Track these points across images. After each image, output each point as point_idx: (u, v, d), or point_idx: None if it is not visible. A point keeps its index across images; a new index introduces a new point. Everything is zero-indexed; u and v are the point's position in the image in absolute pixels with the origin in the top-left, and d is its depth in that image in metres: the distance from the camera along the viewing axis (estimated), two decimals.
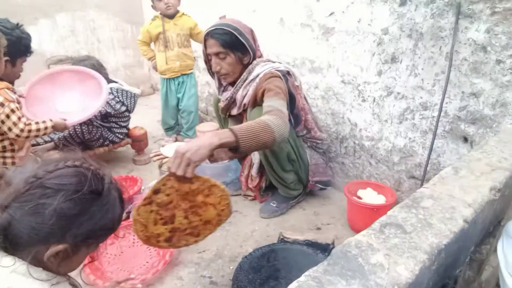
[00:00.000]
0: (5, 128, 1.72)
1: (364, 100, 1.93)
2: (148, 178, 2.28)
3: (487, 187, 1.07)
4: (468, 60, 1.46)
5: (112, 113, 2.40)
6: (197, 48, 2.97)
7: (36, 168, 0.82)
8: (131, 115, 2.62)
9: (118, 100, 2.41)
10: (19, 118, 1.74)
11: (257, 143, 1.36)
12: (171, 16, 2.61)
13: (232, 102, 1.91)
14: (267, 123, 1.40)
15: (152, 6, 2.64)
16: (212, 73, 1.95)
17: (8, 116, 1.70)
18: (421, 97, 1.68)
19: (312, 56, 2.12)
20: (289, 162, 1.88)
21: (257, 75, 1.77)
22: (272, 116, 1.46)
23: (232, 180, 2.26)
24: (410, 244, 0.84)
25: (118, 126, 2.50)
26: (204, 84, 3.29)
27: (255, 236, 1.82)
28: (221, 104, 1.97)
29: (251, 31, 1.82)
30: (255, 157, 2.00)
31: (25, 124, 1.76)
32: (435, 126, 1.59)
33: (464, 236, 0.95)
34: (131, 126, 2.63)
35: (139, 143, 2.61)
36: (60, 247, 0.79)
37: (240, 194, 2.18)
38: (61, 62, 3.48)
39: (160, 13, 2.60)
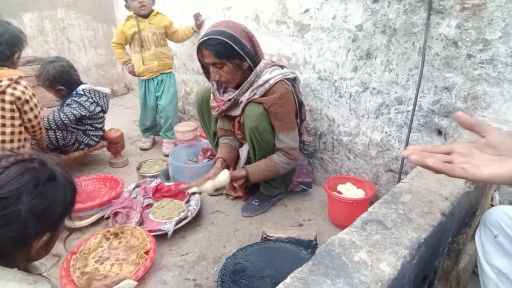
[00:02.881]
0: (26, 108, 1.85)
1: (341, 96, 1.95)
2: (126, 180, 2.23)
3: (462, 180, 1.10)
4: (440, 55, 1.50)
5: (87, 115, 2.33)
6: (171, 47, 2.92)
7: None
8: (106, 116, 2.55)
9: (92, 101, 2.34)
10: (35, 105, 1.90)
11: (263, 179, 1.90)
12: (146, 15, 2.55)
13: (234, 104, 1.85)
14: (277, 168, 1.83)
15: (125, 6, 2.56)
16: (209, 78, 1.88)
17: (29, 100, 1.85)
18: (396, 92, 1.71)
19: (288, 53, 2.12)
20: None
21: (266, 81, 1.75)
22: (284, 159, 1.83)
23: None
24: (391, 240, 0.86)
25: (93, 128, 2.43)
26: (180, 83, 3.24)
27: (238, 235, 1.82)
28: (219, 105, 1.90)
29: (248, 34, 1.73)
30: (243, 152, 1.99)
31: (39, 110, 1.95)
32: (410, 120, 1.63)
33: (442, 229, 0.97)
34: (106, 127, 2.57)
35: (115, 145, 2.55)
36: (44, 238, 0.84)
37: (222, 194, 2.16)
38: (30, 64, 3.36)
39: (134, 13, 2.53)
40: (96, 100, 2.36)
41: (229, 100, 1.83)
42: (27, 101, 1.84)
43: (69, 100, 2.29)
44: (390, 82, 1.71)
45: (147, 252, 1.56)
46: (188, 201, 1.99)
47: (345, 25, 1.79)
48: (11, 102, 1.79)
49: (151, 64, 2.63)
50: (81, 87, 2.34)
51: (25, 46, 1.91)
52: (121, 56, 2.69)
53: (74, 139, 2.32)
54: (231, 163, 1.96)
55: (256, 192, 2.07)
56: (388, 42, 1.66)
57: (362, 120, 1.89)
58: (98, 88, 2.42)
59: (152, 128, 2.92)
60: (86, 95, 2.31)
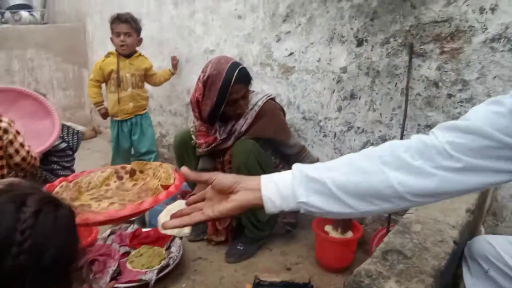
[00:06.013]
0: (11, 151, 1.55)
1: (325, 136, 1.99)
2: (101, 226, 2.05)
3: (463, 209, 1.12)
4: (422, 95, 1.59)
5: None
6: (148, 88, 2.90)
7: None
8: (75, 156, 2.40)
9: None
10: (21, 144, 1.60)
11: None
12: (128, 55, 2.53)
13: (228, 135, 1.87)
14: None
15: (111, 38, 2.52)
16: (213, 121, 1.85)
17: (13, 140, 1.55)
18: (380, 131, 1.77)
19: (272, 93, 2.16)
20: None
21: (255, 104, 1.84)
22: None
23: (193, 224, 2.13)
24: (415, 268, 0.83)
25: (60, 167, 2.26)
26: (156, 125, 3.17)
27: (224, 283, 1.70)
28: (208, 140, 1.90)
29: None
30: None
31: (28, 151, 1.63)
32: None
33: (455, 257, 0.97)
34: (77, 170, 2.41)
35: None
36: None
37: (203, 239, 2.05)
38: None
39: (116, 50, 2.51)
40: (62, 135, 2.23)
41: (226, 132, 1.85)
42: (11, 142, 1.59)
43: None
44: (374, 121, 1.77)
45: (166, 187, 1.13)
46: (169, 247, 1.85)
47: (329, 67, 1.87)
48: None
49: (126, 105, 2.57)
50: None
51: None
52: (96, 95, 2.57)
53: (42, 179, 2.15)
54: None
55: (240, 236, 1.99)
56: (371, 83, 1.74)
57: None
58: (69, 123, 2.30)
59: None
60: None
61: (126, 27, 2.44)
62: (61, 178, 1.13)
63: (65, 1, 4.25)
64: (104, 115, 2.62)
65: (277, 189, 0.74)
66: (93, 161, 3.39)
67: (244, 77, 1.75)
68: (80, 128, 2.36)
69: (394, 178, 0.67)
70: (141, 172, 1.26)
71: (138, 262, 1.72)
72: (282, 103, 2.12)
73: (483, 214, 1.47)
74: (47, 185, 1.01)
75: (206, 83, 1.74)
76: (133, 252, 1.81)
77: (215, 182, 0.77)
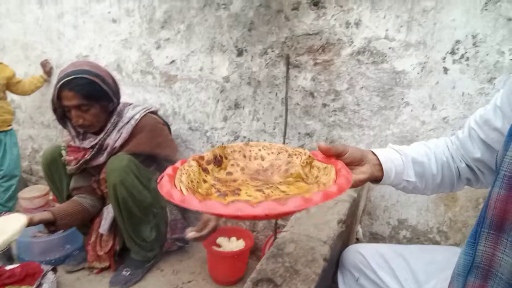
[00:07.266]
0: None
1: (213, 146, 1.93)
2: None
3: (335, 221, 1.15)
4: (300, 104, 1.63)
5: None
6: (14, 98, 2.50)
7: None
8: None
9: None
10: None
11: None
12: None
13: (99, 150, 1.67)
14: None
15: None
16: (64, 123, 1.69)
17: None
18: (264, 139, 1.77)
19: (156, 103, 2.02)
20: (150, 214, 1.71)
21: (131, 117, 1.68)
22: None
23: (71, 253, 1.89)
24: None
25: None
26: (26, 139, 2.76)
27: None
28: (78, 156, 1.69)
29: (109, 74, 1.65)
30: (108, 210, 1.73)
31: None
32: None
33: (326, 274, 0.98)
34: None
35: None
36: None
37: (84, 268, 1.82)
38: None
39: None
40: None
41: (93, 147, 1.65)
42: None
43: None
44: (259, 130, 1.77)
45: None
46: (40, 285, 1.60)
47: (212, 76, 1.81)
48: None
49: None
50: None
51: None
52: None
53: None
54: (74, 221, 1.66)
55: (126, 260, 1.82)
56: (253, 93, 1.73)
57: None
58: None
59: None
60: None
61: None
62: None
63: None
64: None
65: (394, 166, 0.82)
66: None
67: (79, 87, 1.50)
68: None
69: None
70: (225, 157, 0.95)
71: None
72: (167, 113, 2.00)
73: (357, 217, 1.57)
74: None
75: None
76: None
77: (348, 154, 0.80)
